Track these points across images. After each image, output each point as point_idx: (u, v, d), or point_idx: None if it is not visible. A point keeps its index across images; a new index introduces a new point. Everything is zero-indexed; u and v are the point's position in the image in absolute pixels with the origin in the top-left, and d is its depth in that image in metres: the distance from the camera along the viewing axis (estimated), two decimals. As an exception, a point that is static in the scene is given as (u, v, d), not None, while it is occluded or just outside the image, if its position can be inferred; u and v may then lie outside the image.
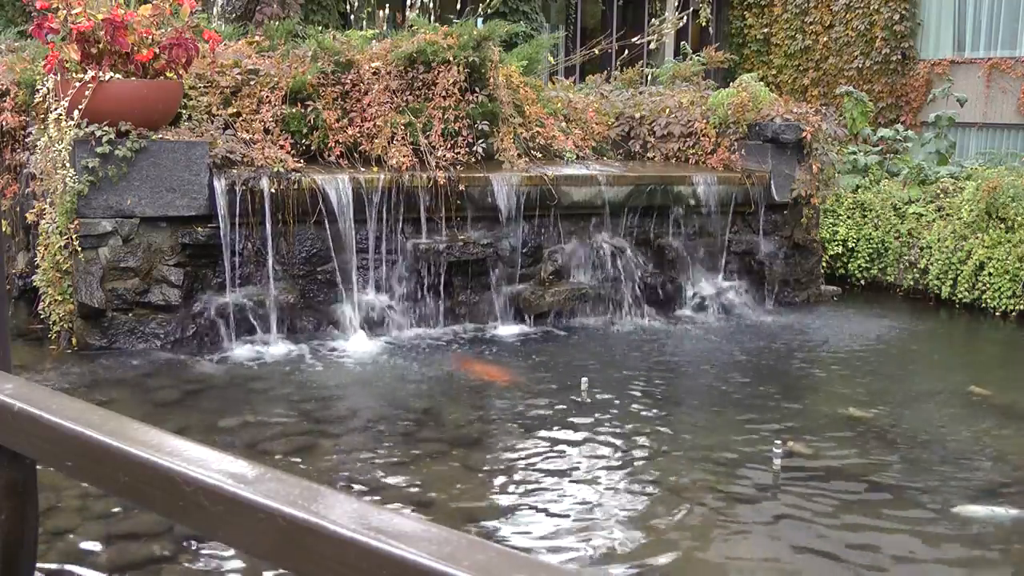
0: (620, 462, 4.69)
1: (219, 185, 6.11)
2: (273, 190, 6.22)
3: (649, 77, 11.11)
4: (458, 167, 6.86)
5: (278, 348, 6.23)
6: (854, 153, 9.80)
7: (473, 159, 6.98)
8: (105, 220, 5.98)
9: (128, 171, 5.95)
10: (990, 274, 8.02)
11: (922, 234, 8.63)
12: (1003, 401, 5.84)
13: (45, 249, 5.96)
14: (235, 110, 6.59)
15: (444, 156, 6.81)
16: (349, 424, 5.11)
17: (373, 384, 5.80)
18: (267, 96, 6.65)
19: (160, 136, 6.05)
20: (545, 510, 4.13)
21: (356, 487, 4.26)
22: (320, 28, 8.50)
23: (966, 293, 8.16)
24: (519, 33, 8.63)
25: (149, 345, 6.06)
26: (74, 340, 6.00)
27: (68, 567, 3.52)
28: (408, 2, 9.63)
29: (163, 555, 3.59)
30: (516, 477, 4.48)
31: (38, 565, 1.57)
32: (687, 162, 8.21)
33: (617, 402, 5.56)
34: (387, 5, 9.83)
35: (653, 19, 14.40)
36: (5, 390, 1.36)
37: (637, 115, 8.58)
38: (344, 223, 6.46)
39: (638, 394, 5.74)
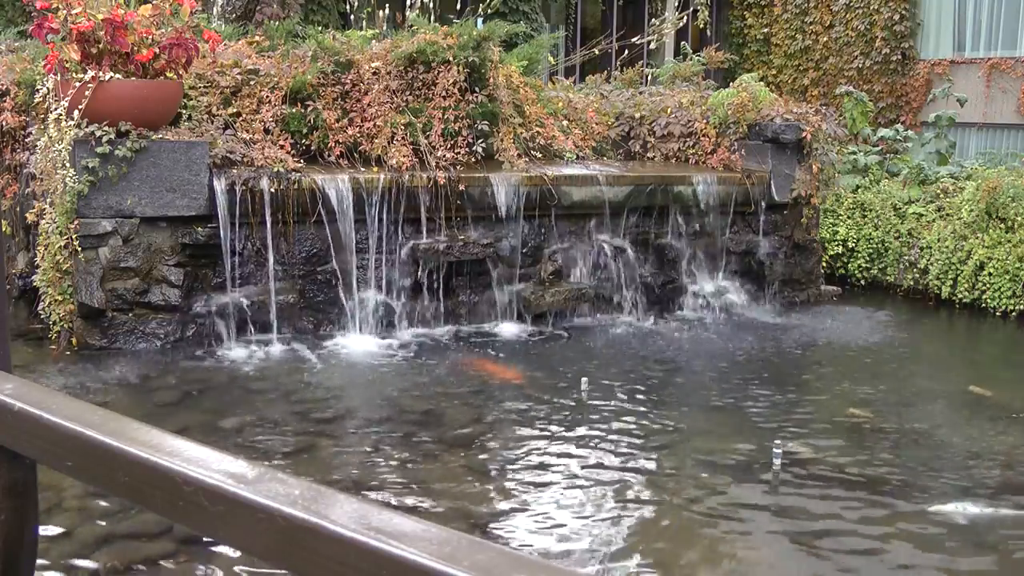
0: (620, 462, 4.69)
1: (219, 185, 6.11)
2: (273, 190, 6.22)
3: (649, 77, 11.11)
4: (458, 167, 6.86)
5: (278, 348, 6.23)
6: (854, 153, 9.79)
7: (473, 159, 6.98)
8: (105, 220, 5.98)
9: (128, 171, 5.95)
10: (990, 274, 8.02)
11: (922, 234, 8.63)
12: (1003, 401, 5.84)
13: (45, 249, 5.96)
14: (235, 110, 6.59)
15: (444, 156, 6.80)
16: (349, 424, 5.11)
17: (373, 384, 5.80)
18: (267, 96, 6.65)
19: (160, 136, 6.05)
20: (545, 510, 4.13)
21: (356, 487, 4.26)
22: (320, 28, 8.50)
23: (966, 293, 8.16)
24: (519, 33, 8.63)
25: (149, 345, 6.06)
26: (74, 340, 6.00)
27: (69, 567, 3.52)
28: (408, 2, 9.63)
29: (163, 555, 3.59)
30: (516, 477, 4.48)
31: (38, 565, 1.57)
32: (687, 162, 8.21)
33: (617, 402, 5.56)
34: (387, 5, 9.83)
35: (653, 19, 14.41)
36: (5, 390, 1.35)
37: (637, 115, 8.57)
38: (344, 223, 6.46)
39: (638, 394, 5.74)
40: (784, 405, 5.66)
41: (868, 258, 8.92)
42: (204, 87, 6.59)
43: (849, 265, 9.02)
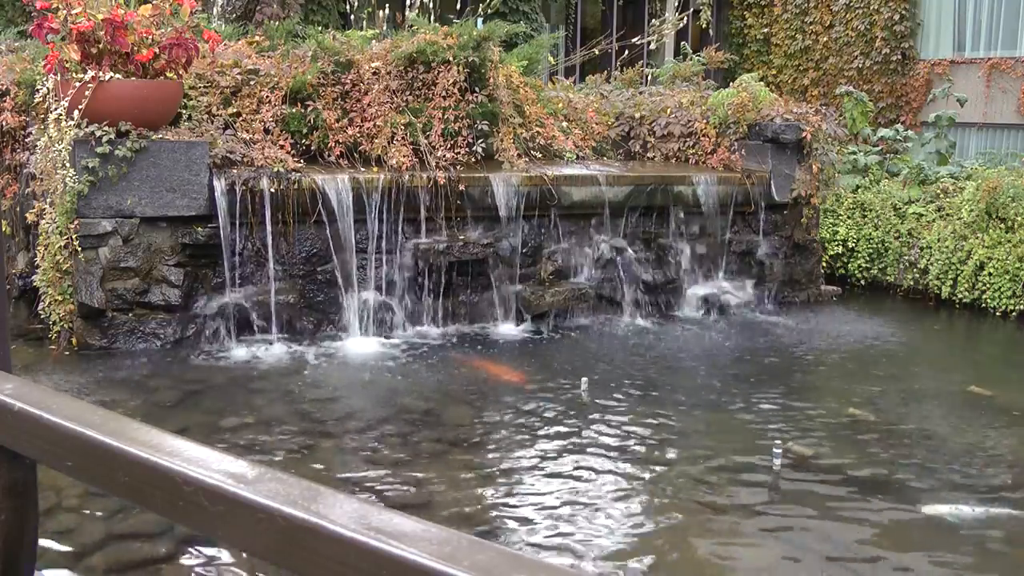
0: (619, 462, 4.69)
1: (219, 185, 6.11)
2: (273, 190, 6.22)
3: (649, 77, 11.11)
4: (458, 167, 6.86)
5: (278, 348, 6.24)
6: (854, 153, 9.79)
7: (473, 159, 6.98)
8: (105, 220, 5.98)
9: (128, 171, 5.95)
10: (990, 274, 8.02)
11: (922, 234, 8.63)
12: (1003, 401, 5.84)
13: (45, 249, 5.96)
14: (235, 110, 6.59)
15: (444, 156, 6.80)
16: (349, 424, 5.11)
17: (373, 384, 5.80)
18: (267, 96, 6.65)
19: (160, 136, 6.05)
20: (545, 510, 4.13)
21: (356, 487, 4.26)
22: (320, 28, 8.50)
23: (966, 293, 8.16)
24: (519, 33, 8.63)
25: (149, 345, 6.06)
26: (74, 340, 6.00)
27: (68, 567, 3.52)
28: (408, 2, 9.63)
29: (163, 555, 3.59)
30: (516, 477, 4.48)
31: (38, 565, 1.57)
32: (687, 162, 8.21)
33: (617, 402, 5.56)
34: (387, 5, 9.83)
35: (653, 19, 14.42)
36: (5, 390, 1.35)
37: (637, 115, 8.58)
38: (344, 223, 6.46)
39: (638, 394, 5.74)
40: (784, 405, 5.66)
41: (868, 258, 8.92)
42: (204, 87, 6.59)
43: (849, 265, 9.02)
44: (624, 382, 5.95)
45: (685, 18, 13.88)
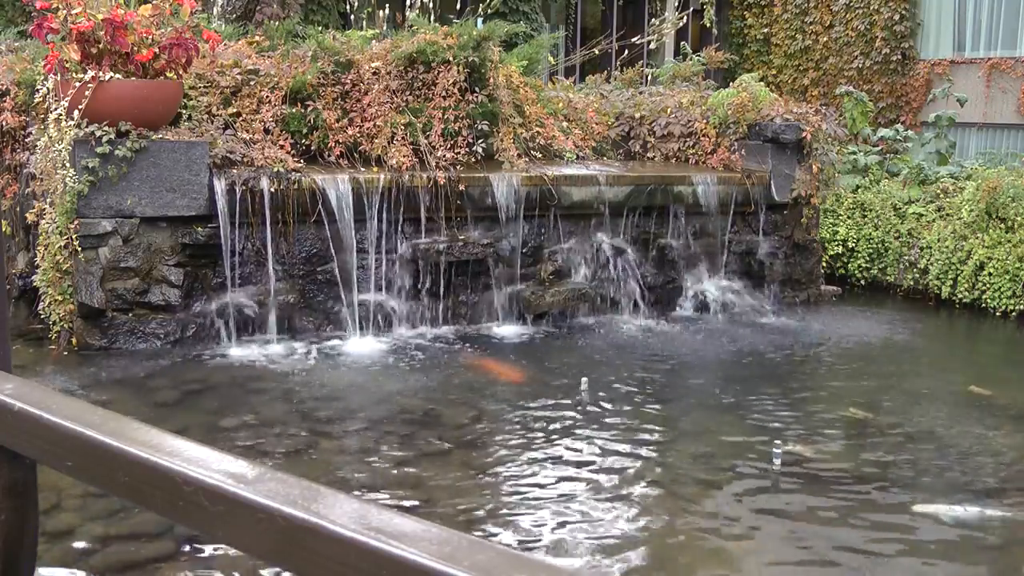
0: (620, 462, 4.69)
1: (219, 185, 6.11)
2: (273, 190, 6.22)
3: (649, 77, 11.11)
4: (458, 167, 6.86)
5: (278, 348, 6.24)
6: (854, 153, 9.79)
7: (473, 159, 6.97)
8: (105, 220, 5.98)
9: (128, 171, 5.95)
10: (990, 274, 8.02)
11: (922, 234, 8.63)
12: (1003, 401, 5.84)
13: (45, 249, 5.96)
14: (235, 110, 6.59)
15: (444, 156, 6.80)
16: (349, 424, 5.11)
17: (373, 384, 5.80)
18: (267, 96, 6.65)
19: (160, 136, 6.05)
20: (545, 510, 4.13)
21: (356, 487, 4.26)
22: (320, 28, 8.50)
23: (966, 293, 8.16)
24: (519, 33, 8.63)
25: (149, 345, 6.06)
26: (74, 340, 6.00)
27: (68, 567, 3.52)
28: (408, 2, 9.63)
29: (163, 555, 3.59)
30: (516, 477, 4.48)
31: (38, 565, 1.57)
32: (687, 162, 8.21)
33: (617, 402, 5.56)
34: (387, 5, 9.83)
35: (653, 19, 14.41)
36: (5, 390, 1.35)
37: (637, 115, 8.57)
38: (344, 223, 6.46)
39: (638, 394, 5.74)
40: (784, 405, 5.66)
41: (868, 258, 8.92)
42: (204, 87, 6.59)
43: (849, 265, 9.03)
44: (624, 382, 5.95)
45: (685, 18, 13.88)
